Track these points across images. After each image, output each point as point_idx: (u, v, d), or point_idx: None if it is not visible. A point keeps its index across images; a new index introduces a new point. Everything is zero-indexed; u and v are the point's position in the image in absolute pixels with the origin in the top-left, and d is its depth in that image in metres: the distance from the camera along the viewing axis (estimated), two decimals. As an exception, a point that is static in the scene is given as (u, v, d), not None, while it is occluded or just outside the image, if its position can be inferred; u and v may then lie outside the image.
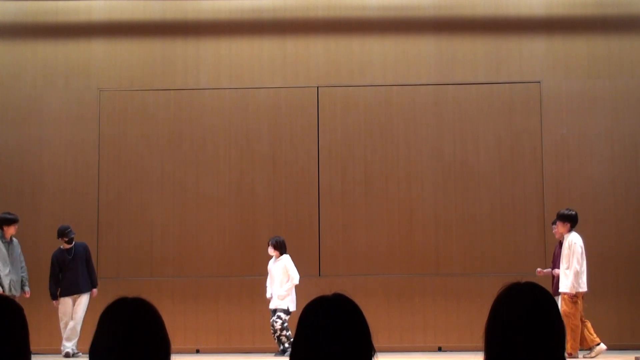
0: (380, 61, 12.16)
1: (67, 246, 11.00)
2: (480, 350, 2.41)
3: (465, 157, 11.93)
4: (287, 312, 10.79)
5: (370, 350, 2.34)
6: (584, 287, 9.77)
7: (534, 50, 12.09)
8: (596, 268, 10.53)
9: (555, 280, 10.25)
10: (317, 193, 11.95)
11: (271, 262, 11.03)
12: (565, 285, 9.76)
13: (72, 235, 11.01)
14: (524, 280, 2.42)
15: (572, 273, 9.72)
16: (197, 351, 11.70)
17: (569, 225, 9.95)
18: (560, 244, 10.50)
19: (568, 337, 9.67)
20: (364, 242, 11.79)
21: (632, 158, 11.89)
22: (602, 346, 9.87)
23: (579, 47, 12.09)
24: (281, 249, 10.96)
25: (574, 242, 9.83)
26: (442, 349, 11.58)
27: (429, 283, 11.75)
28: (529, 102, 12.01)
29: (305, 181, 11.98)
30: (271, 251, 10.99)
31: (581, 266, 9.78)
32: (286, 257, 10.93)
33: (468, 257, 11.73)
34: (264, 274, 11.49)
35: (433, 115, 12.02)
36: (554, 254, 10.62)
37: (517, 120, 11.98)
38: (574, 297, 9.70)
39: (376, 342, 2.35)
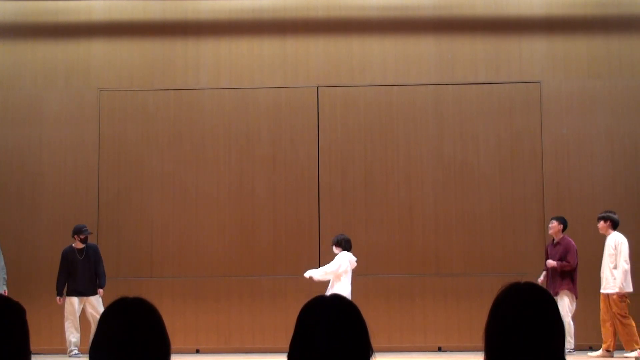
0: (380, 61, 12.16)
1: (80, 245, 11.02)
2: (480, 350, 2.42)
3: (465, 157, 11.93)
4: None
5: (368, 351, 2.34)
6: (629, 288, 9.96)
7: (534, 50, 12.09)
8: (596, 268, 10.53)
9: (548, 280, 10.46)
10: (317, 193, 11.95)
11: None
12: (613, 286, 9.92)
13: (88, 234, 11.06)
14: (524, 280, 2.43)
15: (620, 273, 9.90)
16: (197, 351, 11.70)
17: (610, 223, 10.15)
18: (553, 241, 10.64)
19: (628, 337, 9.81)
20: (364, 242, 11.79)
21: (632, 158, 11.90)
22: (613, 355, 10.02)
23: (579, 47, 12.09)
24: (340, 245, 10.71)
25: (619, 242, 10.06)
26: (442, 349, 11.58)
27: (429, 283, 11.74)
28: (529, 102, 12.01)
29: (305, 181, 11.98)
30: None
31: (629, 266, 9.99)
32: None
33: (468, 257, 11.73)
34: (264, 273, 11.52)
35: (433, 115, 12.03)
36: (546, 251, 10.79)
37: (517, 120, 11.98)
38: (622, 297, 9.86)
39: (376, 342, 2.35)
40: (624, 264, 9.99)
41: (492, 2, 12.22)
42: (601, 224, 10.34)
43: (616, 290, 9.95)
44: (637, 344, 9.93)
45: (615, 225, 10.28)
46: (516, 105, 12.02)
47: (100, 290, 10.99)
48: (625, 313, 9.94)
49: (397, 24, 12.17)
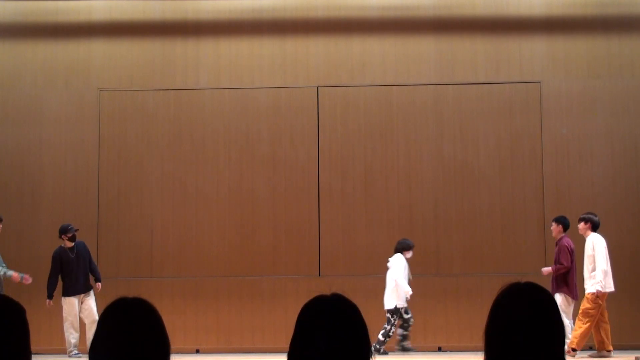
0: (380, 61, 12.16)
1: (70, 244, 10.97)
2: (480, 350, 2.42)
3: (465, 157, 11.93)
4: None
5: (368, 351, 2.34)
6: (610, 288, 9.90)
7: (534, 50, 12.09)
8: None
9: (552, 279, 10.40)
10: (317, 193, 11.95)
11: (405, 263, 11.06)
12: (591, 285, 9.88)
13: (75, 231, 10.98)
14: (524, 280, 2.43)
15: (600, 273, 9.86)
16: (197, 351, 11.70)
17: (590, 225, 10.10)
18: (557, 244, 10.60)
19: (578, 334, 9.77)
20: (364, 242, 11.79)
21: (632, 158, 11.89)
22: (612, 355, 9.97)
23: (579, 47, 12.09)
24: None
25: (596, 243, 9.99)
26: (442, 349, 11.58)
27: (429, 283, 11.74)
28: (529, 102, 12.01)
29: (305, 181, 11.98)
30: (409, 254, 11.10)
31: (606, 266, 9.93)
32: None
33: (468, 257, 11.72)
34: (264, 273, 11.52)
35: (433, 115, 12.02)
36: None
37: (517, 120, 11.98)
38: (597, 298, 9.81)
39: (375, 342, 2.35)
40: (603, 264, 9.91)
41: (492, 2, 12.22)
42: (581, 225, 10.23)
43: (594, 289, 9.85)
44: (578, 348, 9.85)
45: (595, 227, 10.16)
46: (516, 105, 12.02)
47: (99, 284, 10.93)
48: (592, 315, 9.81)
49: (397, 24, 12.17)
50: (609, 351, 10.04)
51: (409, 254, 11.07)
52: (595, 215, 10.29)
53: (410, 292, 10.83)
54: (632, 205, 11.77)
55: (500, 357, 2.31)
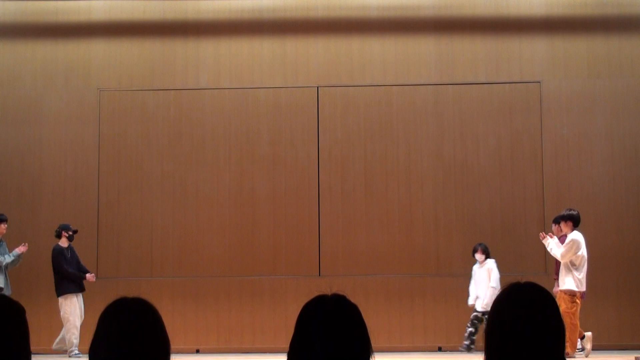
0: (380, 61, 12.16)
1: (66, 244, 11.00)
2: (480, 350, 2.41)
3: (465, 157, 11.93)
4: None
5: (368, 351, 2.34)
6: (582, 287, 9.77)
7: (534, 50, 12.09)
8: (596, 268, 10.52)
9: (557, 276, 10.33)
10: (317, 193, 11.95)
11: (476, 266, 11.12)
12: (564, 284, 9.78)
13: (74, 233, 10.98)
14: (524, 280, 2.43)
15: (577, 272, 9.74)
16: (197, 351, 11.71)
17: (571, 224, 9.98)
18: None
19: (567, 337, 9.66)
20: (364, 242, 11.79)
21: (632, 158, 11.89)
22: (588, 334, 9.88)
23: (579, 47, 12.09)
24: (487, 253, 11.11)
25: (575, 241, 9.84)
26: (442, 349, 11.58)
27: (429, 283, 11.74)
28: (529, 102, 12.01)
29: (305, 181, 11.98)
30: (479, 256, 11.05)
31: (581, 265, 9.79)
32: (491, 261, 11.07)
33: (468, 257, 11.71)
34: (264, 273, 11.50)
35: (433, 115, 12.03)
36: None
37: (517, 120, 11.98)
38: (572, 296, 9.71)
39: (376, 342, 2.35)
40: (562, 257, 9.74)
41: (492, 2, 12.22)
42: (562, 224, 10.05)
43: (564, 287, 9.75)
44: (572, 349, 9.76)
45: (576, 224, 10.02)
46: (516, 105, 12.02)
47: (92, 275, 10.96)
48: (572, 313, 9.63)
49: (397, 24, 12.17)
50: (583, 337, 9.90)
51: (478, 256, 11.09)
52: (575, 211, 10.09)
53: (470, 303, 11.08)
54: (632, 205, 11.77)
55: (500, 357, 2.31)
